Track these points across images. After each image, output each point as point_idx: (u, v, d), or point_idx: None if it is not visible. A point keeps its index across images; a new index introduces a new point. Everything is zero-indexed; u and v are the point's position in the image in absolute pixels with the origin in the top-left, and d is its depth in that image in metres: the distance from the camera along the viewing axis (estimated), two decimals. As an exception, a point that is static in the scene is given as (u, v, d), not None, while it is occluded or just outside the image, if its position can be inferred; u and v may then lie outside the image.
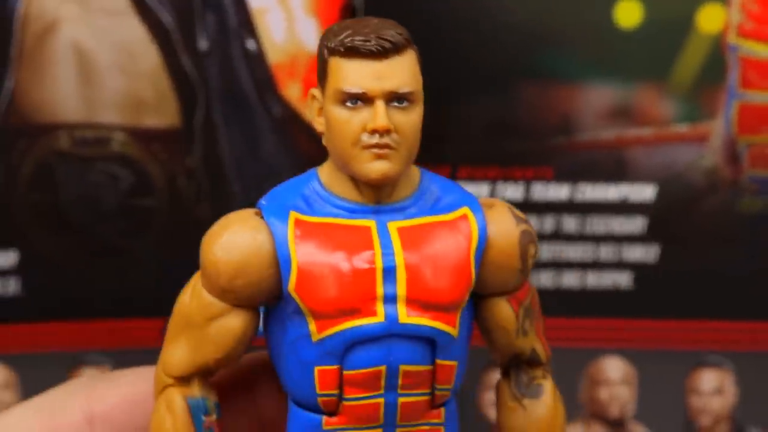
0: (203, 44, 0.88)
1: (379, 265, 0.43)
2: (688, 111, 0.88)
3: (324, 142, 0.45)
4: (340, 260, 0.43)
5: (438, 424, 0.45)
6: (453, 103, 0.87)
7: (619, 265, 0.90)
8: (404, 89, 0.43)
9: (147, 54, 0.88)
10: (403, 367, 0.43)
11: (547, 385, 0.49)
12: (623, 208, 0.89)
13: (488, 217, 0.45)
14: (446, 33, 0.86)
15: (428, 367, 0.44)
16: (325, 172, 0.45)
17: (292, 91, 0.88)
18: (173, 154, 0.89)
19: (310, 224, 0.43)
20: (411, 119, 0.44)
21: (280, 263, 0.43)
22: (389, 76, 0.43)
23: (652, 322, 0.90)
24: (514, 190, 0.89)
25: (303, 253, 0.43)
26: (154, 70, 0.89)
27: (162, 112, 0.89)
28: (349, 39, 0.43)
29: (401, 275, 0.43)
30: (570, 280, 0.90)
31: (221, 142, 0.89)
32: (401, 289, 0.43)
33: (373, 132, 0.43)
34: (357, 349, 0.43)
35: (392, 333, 0.43)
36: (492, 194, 0.89)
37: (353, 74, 0.43)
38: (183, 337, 0.45)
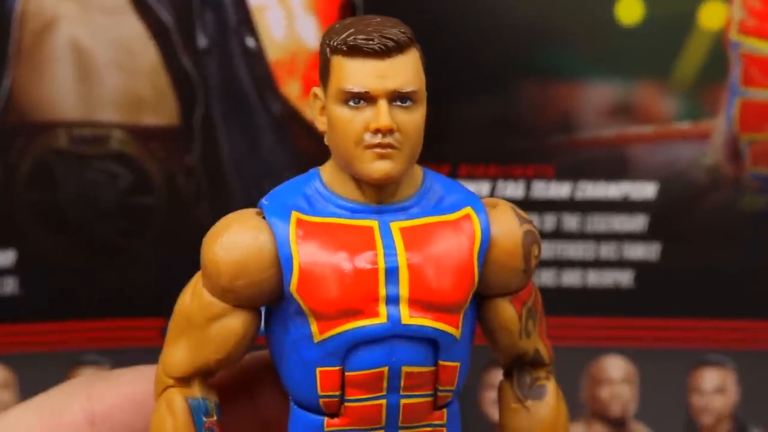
0: (202, 42, 0.88)
1: (382, 265, 0.43)
2: (689, 108, 0.87)
3: (326, 141, 0.44)
4: (342, 260, 0.42)
5: (440, 425, 0.45)
6: (453, 101, 0.86)
7: (621, 263, 0.90)
8: (407, 88, 0.43)
9: (146, 52, 0.88)
10: (405, 368, 0.43)
11: (550, 386, 0.48)
12: (624, 206, 0.89)
13: (491, 217, 0.45)
14: (446, 31, 0.85)
15: (431, 368, 0.44)
16: (327, 171, 0.45)
17: (291, 89, 0.88)
18: (172, 153, 0.89)
19: (312, 224, 0.43)
20: (414, 119, 0.43)
21: (281, 263, 0.43)
22: (392, 75, 0.42)
23: (654, 320, 0.90)
24: (514, 189, 0.89)
25: (305, 254, 0.43)
26: (153, 68, 0.88)
27: (161, 111, 0.89)
28: (351, 38, 0.43)
29: (404, 276, 0.43)
30: (571, 278, 0.90)
31: (220, 140, 0.89)
32: (404, 290, 0.43)
33: (376, 131, 0.42)
34: (359, 350, 0.43)
35: (395, 334, 0.43)
36: (492, 193, 0.89)
37: (356, 73, 0.42)
38: (183, 338, 0.45)
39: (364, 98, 0.42)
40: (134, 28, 0.88)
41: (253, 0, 0.88)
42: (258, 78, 0.88)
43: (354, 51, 0.42)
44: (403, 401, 0.43)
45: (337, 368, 0.43)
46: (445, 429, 0.45)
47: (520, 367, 0.48)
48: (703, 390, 0.92)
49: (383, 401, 0.43)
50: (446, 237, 0.44)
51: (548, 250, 0.90)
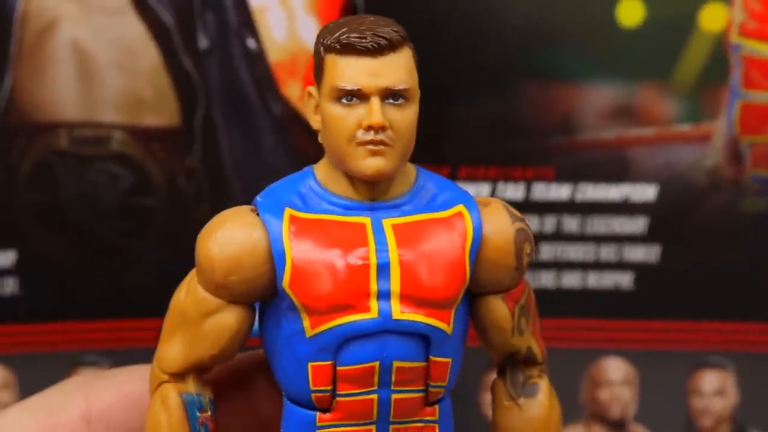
0: (203, 43, 0.88)
1: (373, 261, 0.43)
2: (690, 111, 0.87)
3: (320, 139, 0.45)
4: (334, 256, 0.43)
5: (432, 421, 0.45)
6: (453, 102, 0.86)
7: (621, 265, 0.90)
8: (399, 86, 0.43)
9: (147, 53, 0.88)
10: (396, 363, 0.43)
11: (543, 384, 0.49)
12: (625, 208, 0.89)
13: (483, 215, 0.45)
14: (447, 32, 0.85)
15: (422, 364, 0.44)
16: (321, 169, 0.45)
17: (292, 90, 0.88)
18: (173, 154, 0.89)
19: (305, 221, 0.44)
20: (406, 116, 0.44)
21: (274, 259, 0.43)
22: (385, 73, 0.43)
23: (654, 322, 0.90)
24: (514, 190, 0.89)
25: (297, 250, 0.43)
26: (154, 69, 0.88)
27: (162, 111, 0.89)
28: (345, 36, 0.43)
29: (395, 271, 0.43)
30: (571, 280, 0.90)
31: (221, 141, 0.89)
32: (395, 286, 0.43)
33: (368, 128, 0.43)
34: (350, 345, 0.43)
35: (386, 329, 0.43)
36: (492, 194, 0.89)
37: (349, 71, 0.43)
38: (178, 334, 0.46)
39: (357, 96, 0.43)
40: (135, 29, 0.88)
41: (254, 1, 0.88)
42: (259, 79, 0.88)
43: (347, 49, 0.43)
44: (395, 396, 0.44)
45: (329, 363, 0.43)
46: (437, 426, 0.45)
47: (513, 365, 0.48)
48: (702, 392, 0.92)
49: (374, 396, 0.44)
50: (438, 234, 0.44)
51: (548, 251, 0.90)
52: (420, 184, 0.45)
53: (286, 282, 0.43)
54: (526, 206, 0.89)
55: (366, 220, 0.44)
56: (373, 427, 0.44)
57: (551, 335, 0.85)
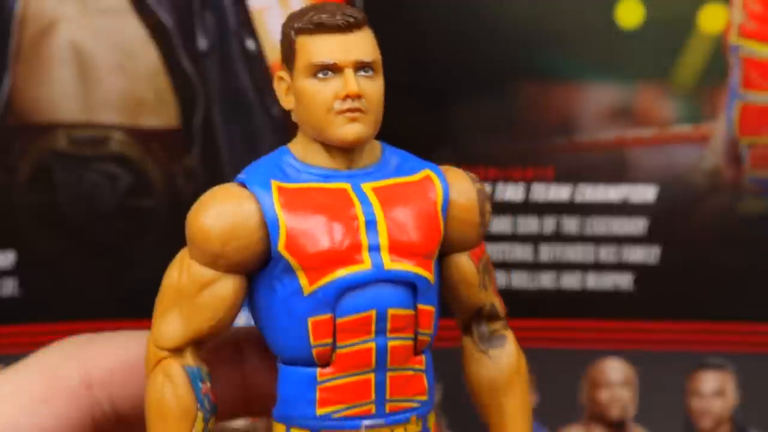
0: (203, 44, 0.88)
1: (361, 218, 0.46)
2: (689, 112, 0.87)
3: (294, 117, 0.48)
4: (324, 217, 0.46)
5: (420, 370, 0.48)
6: (453, 102, 0.86)
7: (620, 266, 0.90)
8: (369, 58, 0.47)
9: (146, 54, 0.88)
10: (390, 311, 0.46)
11: (510, 335, 0.52)
12: (624, 209, 0.89)
13: (448, 178, 0.49)
14: (447, 33, 0.85)
15: (411, 312, 0.47)
16: (296, 145, 0.49)
17: (291, 91, 0.88)
18: (172, 155, 0.89)
19: (291, 190, 0.47)
20: (376, 85, 0.47)
21: (268, 226, 0.46)
22: (355, 47, 0.47)
23: (653, 323, 0.90)
24: (514, 191, 0.89)
25: (289, 214, 0.46)
26: (153, 70, 0.88)
27: (161, 112, 0.89)
28: (316, 17, 0.47)
29: (382, 226, 0.47)
30: (570, 281, 0.90)
31: (220, 142, 0.89)
32: (383, 239, 0.46)
33: (346, 98, 0.46)
34: (348, 297, 0.46)
35: (379, 279, 0.46)
36: (492, 195, 0.89)
37: (323, 47, 0.47)
38: (175, 310, 0.47)
39: (332, 69, 0.47)
40: (134, 30, 0.88)
41: (253, 2, 0.88)
42: (258, 80, 0.88)
43: (319, 28, 0.47)
44: (390, 343, 0.47)
45: (329, 316, 0.46)
46: (423, 375, 0.48)
47: (477, 321, 0.52)
48: (702, 393, 0.92)
49: (372, 344, 0.46)
50: (413, 194, 0.48)
51: (548, 252, 0.90)
52: (387, 156, 0.49)
53: (282, 245, 0.46)
54: (525, 207, 0.89)
55: (346, 185, 0.47)
56: (372, 376, 0.47)
57: (551, 336, 0.86)
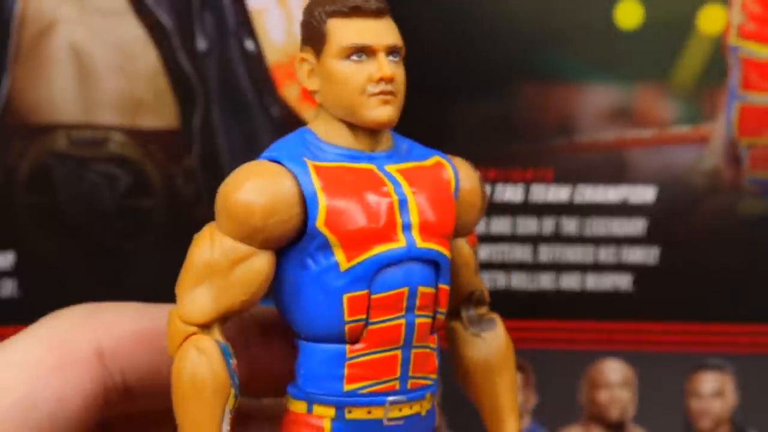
0: (202, 44, 0.88)
1: (395, 197, 0.47)
2: (688, 112, 0.87)
3: (319, 99, 0.49)
4: (361, 194, 0.47)
5: (434, 348, 0.49)
6: (453, 103, 0.86)
7: (619, 267, 0.90)
8: (398, 43, 0.48)
9: (145, 54, 0.88)
10: (420, 288, 0.48)
11: (497, 318, 0.53)
12: (623, 209, 0.89)
13: (455, 164, 0.51)
14: (447, 33, 0.85)
15: (434, 290, 0.48)
16: (318, 126, 0.49)
17: (290, 91, 0.88)
18: (171, 155, 0.89)
19: (324, 167, 0.48)
20: (402, 70, 0.49)
21: (306, 201, 0.46)
22: (386, 32, 0.48)
23: (652, 324, 0.90)
24: (513, 192, 0.89)
25: (327, 191, 0.47)
26: (153, 71, 0.88)
27: (160, 113, 0.89)
28: (351, 1, 0.48)
29: (413, 206, 0.48)
30: (570, 282, 0.90)
31: (219, 142, 0.89)
32: (414, 218, 0.48)
33: (380, 80, 0.47)
34: (383, 274, 0.47)
35: (411, 257, 0.47)
36: (491, 196, 0.89)
37: (359, 30, 0.48)
38: (205, 285, 0.47)
39: (366, 52, 0.48)
40: (134, 31, 0.88)
41: (253, 3, 0.88)
42: (257, 80, 0.88)
43: (354, 11, 0.48)
44: (417, 320, 0.48)
45: (365, 292, 0.47)
46: (435, 353, 0.49)
47: (466, 306, 0.53)
48: (701, 394, 0.92)
49: (403, 321, 0.47)
50: (431, 177, 0.49)
51: (547, 253, 0.90)
52: (398, 142, 0.50)
53: (321, 222, 0.46)
54: (525, 208, 0.89)
55: (372, 166, 0.48)
56: (398, 352, 0.48)
57: (550, 336, 0.86)
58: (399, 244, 0.47)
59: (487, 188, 0.89)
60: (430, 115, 0.85)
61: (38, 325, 0.52)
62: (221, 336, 0.47)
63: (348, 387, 0.47)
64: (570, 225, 0.90)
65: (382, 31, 0.48)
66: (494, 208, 0.89)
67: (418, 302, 0.47)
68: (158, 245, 0.88)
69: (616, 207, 0.89)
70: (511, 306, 0.86)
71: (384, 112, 0.48)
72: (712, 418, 0.92)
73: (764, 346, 0.90)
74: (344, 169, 0.48)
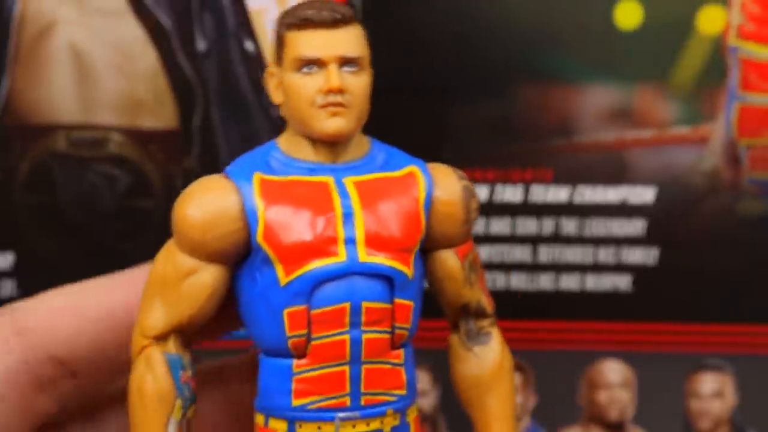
0: (201, 45, 0.88)
1: (339, 211, 0.47)
2: (688, 113, 0.87)
3: (282, 111, 0.49)
4: (302, 209, 0.47)
5: (398, 364, 0.48)
6: (452, 103, 0.86)
7: (619, 267, 0.90)
8: (353, 54, 0.48)
9: (145, 55, 0.88)
10: (365, 304, 0.47)
11: (495, 333, 0.52)
12: (623, 210, 0.89)
13: (433, 174, 0.50)
14: (446, 34, 0.85)
15: (388, 306, 0.47)
16: (283, 140, 0.49)
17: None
18: (171, 156, 0.89)
19: (273, 182, 0.48)
20: (360, 81, 0.48)
21: (247, 216, 0.47)
22: (340, 43, 0.48)
23: (652, 324, 0.90)
24: (513, 193, 0.89)
25: (268, 205, 0.47)
26: (152, 71, 0.88)
27: (160, 114, 0.89)
28: (303, 12, 0.48)
29: (359, 220, 0.47)
30: (569, 282, 0.90)
31: (219, 143, 0.89)
32: (359, 232, 0.47)
33: (328, 92, 0.47)
34: (322, 288, 0.47)
35: (353, 271, 0.47)
36: (491, 196, 0.89)
37: (309, 42, 0.48)
38: (158, 298, 0.48)
39: (317, 64, 0.47)
40: (133, 31, 0.88)
41: (252, 3, 0.88)
42: (256, 81, 0.88)
43: (306, 23, 0.48)
44: (365, 336, 0.47)
45: (303, 307, 0.46)
46: (402, 368, 0.48)
47: (465, 319, 0.52)
48: (701, 394, 0.92)
49: (347, 336, 0.47)
50: (394, 189, 0.48)
51: (546, 254, 0.90)
52: (374, 151, 0.50)
53: (260, 236, 0.46)
54: (524, 208, 0.89)
55: (329, 179, 0.48)
56: (347, 368, 0.47)
57: (549, 337, 0.86)
58: (338, 258, 0.46)
59: (487, 189, 0.89)
60: (429, 116, 0.85)
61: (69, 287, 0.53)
62: (176, 348, 0.48)
63: (296, 402, 0.47)
64: (569, 225, 0.90)
65: (335, 42, 0.47)
66: (494, 209, 0.89)
67: (363, 318, 0.47)
68: (158, 245, 0.88)
69: (616, 207, 0.89)
70: (510, 306, 0.87)
71: (333, 123, 0.47)
72: (711, 418, 0.92)
73: (764, 346, 0.90)
74: (295, 183, 0.47)
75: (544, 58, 0.86)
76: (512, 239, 0.90)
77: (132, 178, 0.89)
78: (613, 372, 0.92)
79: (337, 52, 0.47)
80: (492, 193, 0.89)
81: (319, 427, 0.47)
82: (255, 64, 0.89)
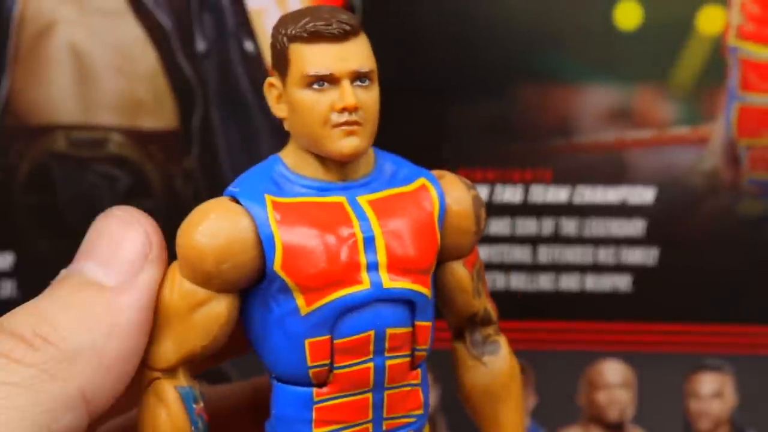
0: (201, 45, 0.88)
1: (360, 235, 0.45)
2: (688, 113, 0.87)
3: (287, 126, 0.47)
4: (321, 235, 0.45)
5: (416, 384, 0.47)
6: (451, 104, 0.86)
7: (619, 268, 0.90)
8: (366, 68, 0.46)
9: (144, 55, 0.88)
10: (389, 330, 0.46)
11: (502, 341, 0.51)
12: (622, 210, 0.89)
13: (443, 186, 0.48)
14: (446, 34, 0.85)
15: (409, 329, 0.46)
16: (288, 155, 0.47)
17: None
18: (171, 156, 0.89)
19: (286, 204, 0.45)
20: (372, 96, 0.46)
21: (263, 244, 0.45)
22: (351, 57, 0.45)
23: (652, 325, 0.90)
24: (512, 193, 0.89)
25: (285, 232, 0.45)
26: (152, 72, 0.88)
27: (159, 114, 0.89)
28: (311, 24, 0.45)
29: (380, 244, 0.45)
30: (569, 283, 0.90)
31: (219, 143, 0.89)
32: (381, 257, 0.45)
33: (343, 110, 0.45)
34: (346, 318, 0.45)
35: (377, 298, 0.45)
36: (490, 196, 0.89)
37: (319, 57, 0.45)
38: (167, 330, 0.46)
39: (328, 80, 0.45)
40: (133, 32, 0.88)
41: (252, 3, 0.88)
42: (256, 81, 0.88)
43: (315, 36, 0.45)
44: (388, 362, 0.46)
45: (326, 338, 0.45)
46: (420, 389, 0.47)
47: (471, 327, 0.51)
48: (700, 395, 0.92)
49: (371, 364, 0.46)
50: (410, 206, 0.47)
51: (546, 254, 0.90)
52: (380, 163, 0.48)
53: (278, 265, 0.44)
54: (524, 209, 0.89)
55: (342, 198, 0.46)
56: (369, 395, 0.46)
57: (549, 338, 0.86)
58: (363, 286, 0.45)
59: (486, 189, 0.89)
60: (429, 116, 0.85)
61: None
62: (186, 380, 0.46)
63: (317, 430, 0.45)
64: (569, 226, 0.90)
65: (346, 56, 0.45)
66: (493, 209, 0.89)
67: (387, 345, 0.45)
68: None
69: (616, 208, 0.89)
70: (510, 307, 0.87)
71: (349, 144, 0.45)
72: (711, 418, 0.92)
73: (763, 347, 0.90)
74: (309, 204, 0.45)
75: (543, 59, 0.86)
76: (512, 239, 0.90)
77: (132, 178, 0.89)
78: (613, 372, 0.92)
79: (350, 68, 0.45)
80: (492, 193, 0.89)
81: None
82: (255, 64, 0.89)
